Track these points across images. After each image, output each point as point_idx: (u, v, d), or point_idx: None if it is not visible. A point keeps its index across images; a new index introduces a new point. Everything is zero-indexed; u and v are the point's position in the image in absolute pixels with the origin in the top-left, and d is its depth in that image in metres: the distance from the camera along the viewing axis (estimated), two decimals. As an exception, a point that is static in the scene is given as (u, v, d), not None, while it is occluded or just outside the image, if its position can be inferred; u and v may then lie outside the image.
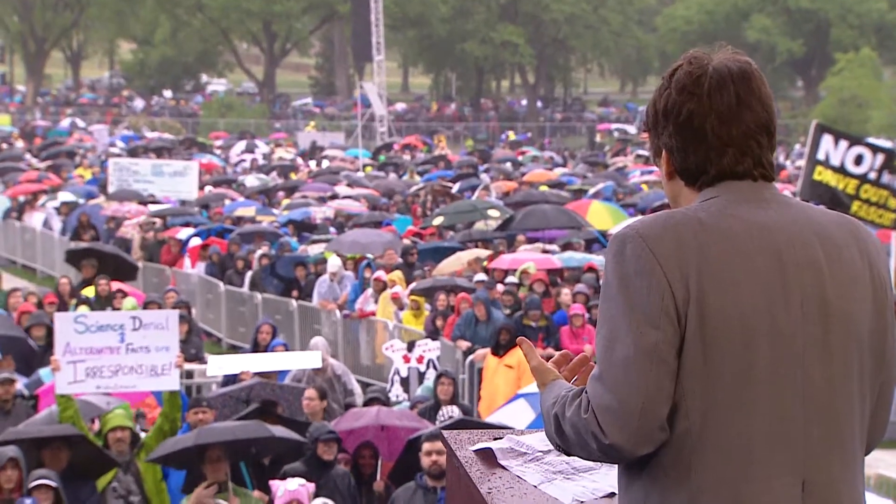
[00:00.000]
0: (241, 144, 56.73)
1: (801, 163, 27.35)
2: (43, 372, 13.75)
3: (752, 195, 2.94)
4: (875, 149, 20.95)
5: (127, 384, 11.02)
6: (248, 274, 23.42)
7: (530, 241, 24.83)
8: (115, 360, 10.94)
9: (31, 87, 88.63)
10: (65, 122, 70.59)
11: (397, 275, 20.95)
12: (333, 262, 21.88)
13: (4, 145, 54.67)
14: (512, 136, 68.00)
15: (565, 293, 18.97)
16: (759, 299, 2.83)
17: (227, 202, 33.04)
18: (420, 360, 17.62)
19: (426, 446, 10.31)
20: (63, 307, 19.21)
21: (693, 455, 2.82)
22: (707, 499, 2.82)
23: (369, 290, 20.67)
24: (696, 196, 2.98)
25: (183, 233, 26.75)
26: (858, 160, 20.04)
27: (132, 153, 47.25)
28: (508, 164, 48.65)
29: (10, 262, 32.08)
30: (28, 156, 49.26)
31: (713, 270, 2.82)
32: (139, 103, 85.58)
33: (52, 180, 38.25)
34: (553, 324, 17.96)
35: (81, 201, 32.59)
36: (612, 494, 3.06)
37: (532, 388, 13.52)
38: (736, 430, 2.81)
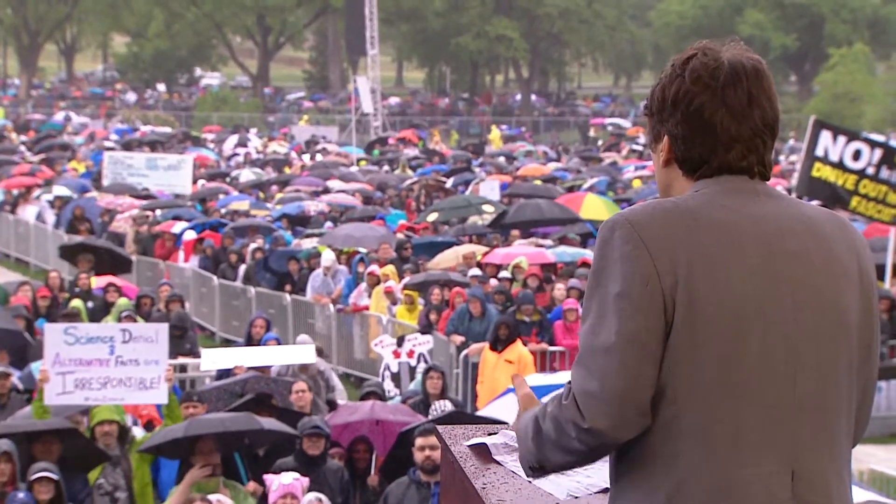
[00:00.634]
0: (234, 138, 56.69)
1: (794, 157, 27.36)
2: (34, 366, 13.73)
3: (744, 188, 2.94)
4: (873, 144, 20.98)
5: (115, 397, 11.00)
6: (242, 268, 23.41)
7: (525, 236, 24.85)
8: (104, 373, 10.94)
9: (25, 80, 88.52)
10: (59, 116, 70.50)
11: (390, 269, 20.95)
12: (327, 257, 21.87)
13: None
14: (495, 130, 67.88)
15: (559, 288, 18.96)
16: (749, 288, 2.83)
17: (221, 196, 33.04)
18: (410, 354, 17.60)
19: (419, 441, 10.29)
20: (55, 301, 19.18)
21: (680, 441, 2.81)
22: (695, 485, 2.80)
23: (363, 285, 20.67)
24: (689, 185, 2.98)
25: (177, 226, 26.74)
26: (857, 155, 20.07)
27: (126, 147, 47.21)
28: (502, 159, 48.64)
29: (4, 255, 32.07)
30: (22, 148, 49.23)
31: (703, 258, 2.82)
32: (131, 97, 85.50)
33: (44, 173, 38.23)
34: (546, 319, 17.95)
35: (75, 196, 32.56)
36: (606, 490, 3.06)
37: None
38: (724, 416, 2.80)
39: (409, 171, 42.09)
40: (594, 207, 27.37)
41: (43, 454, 10.27)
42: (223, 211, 29.90)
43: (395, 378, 17.46)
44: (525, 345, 16.38)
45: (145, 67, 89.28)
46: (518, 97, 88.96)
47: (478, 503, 3.16)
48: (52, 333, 11.24)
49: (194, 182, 36.22)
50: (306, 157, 48.76)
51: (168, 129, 61.16)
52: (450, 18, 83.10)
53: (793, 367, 2.85)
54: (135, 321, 15.87)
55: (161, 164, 35.61)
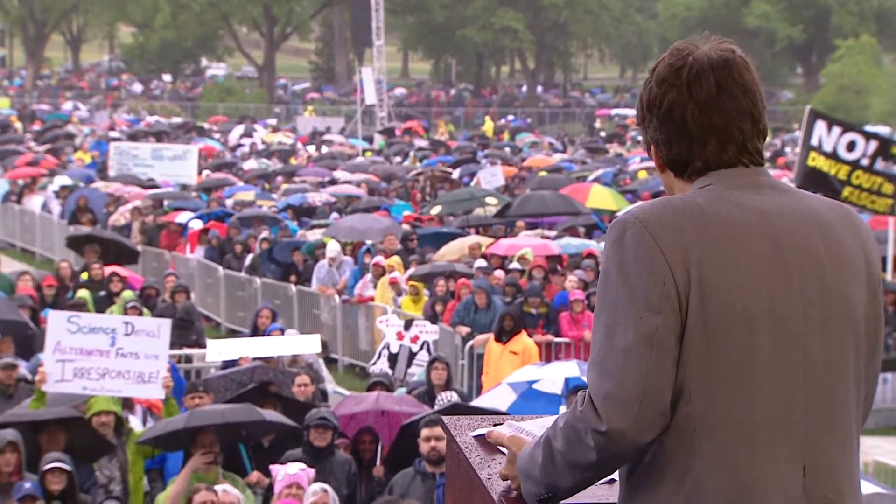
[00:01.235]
0: (240, 129, 56.67)
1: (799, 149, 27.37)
2: (42, 356, 13.74)
3: (747, 181, 2.94)
4: (868, 135, 21.02)
5: (113, 388, 10.97)
6: (248, 258, 23.42)
7: (530, 227, 24.83)
8: (103, 363, 10.92)
9: (31, 71, 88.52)
10: (66, 106, 70.53)
11: (396, 260, 20.96)
12: (332, 248, 21.88)
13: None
14: (488, 121, 67.82)
15: (571, 280, 18.76)
16: (760, 283, 2.83)
17: (227, 187, 33.05)
18: (415, 339, 17.56)
19: (425, 432, 10.29)
20: (63, 290, 19.21)
21: (696, 439, 2.82)
22: (712, 483, 2.81)
23: (368, 276, 20.67)
24: (689, 186, 2.98)
25: (182, 217, 26.75)
26: (851, 146, 20.11)
27: (132, 137, 47.25)
28: (507, 150, 48.62)
29: (10, 245, 32.11)
30: (28, 137, 49.29)
31: (713, 255, 2.82)
32: (138, 87, 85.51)
33: (49, 162, 38.25)
34: (553, 310, 17.94)
35: (81, 185, 32.58)
36: (611, 481, 3.07)
37: (517, 376, 13.62)
38: (738, 413, 2.81)
39: (418, 163, 42.09)
40: (601, 197, 27.38)
41: (49, 444, 10.25)
42: (229, 202, 29.91)
43: (392, 359, 17.37)
44: (530, 336, 16.40)
45: (151, 58, 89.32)
46: (524, 88, 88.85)
47: (483, 494, 3.16)
48: (56, 321, 11.24)
49: (200, 173, 36.24)
50: (312, 148, 48.79)
51: (177, 119, 61.11)
52: (455, 10, 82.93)
53: (803, 364, 2.85)
54: (140, 313, 15.89)
55: (166, 154, 35.62)
